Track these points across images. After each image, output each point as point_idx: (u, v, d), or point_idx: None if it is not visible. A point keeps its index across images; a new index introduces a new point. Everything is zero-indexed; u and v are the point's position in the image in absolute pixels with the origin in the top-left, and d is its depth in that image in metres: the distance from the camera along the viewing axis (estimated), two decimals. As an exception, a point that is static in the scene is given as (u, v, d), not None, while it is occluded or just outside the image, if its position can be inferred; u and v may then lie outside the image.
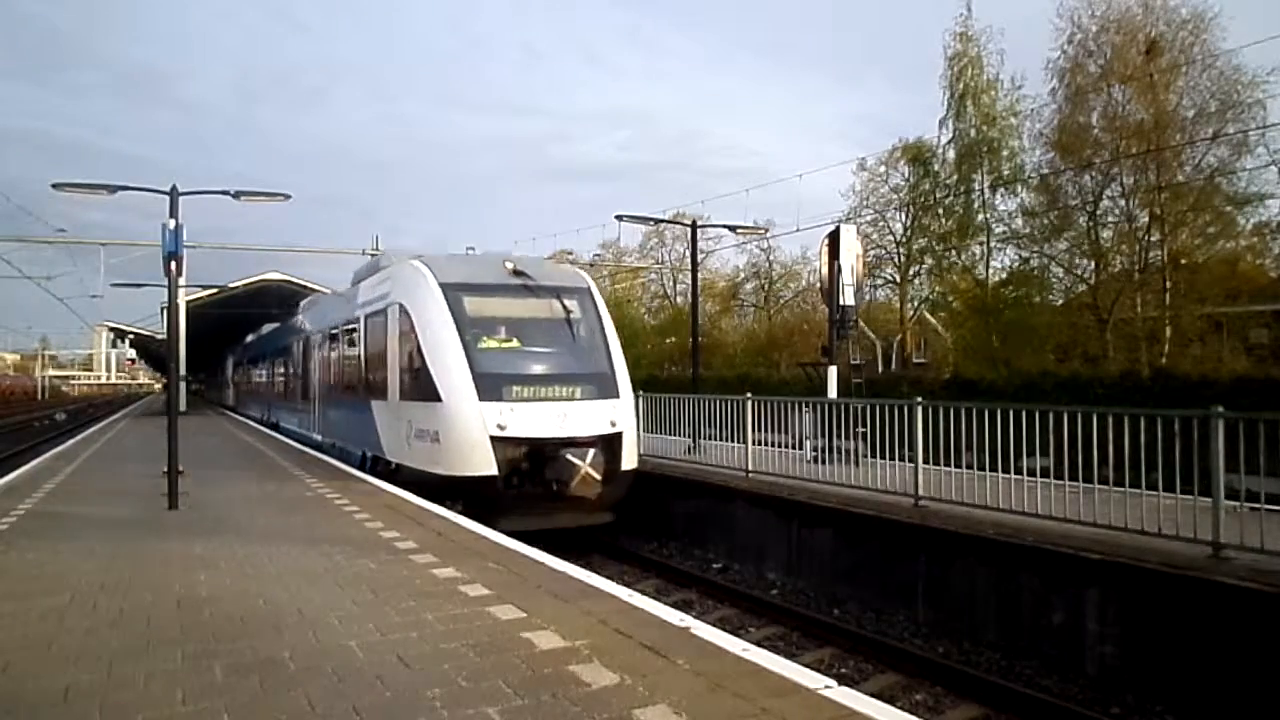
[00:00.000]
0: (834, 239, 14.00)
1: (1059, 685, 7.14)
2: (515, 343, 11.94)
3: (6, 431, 38.04)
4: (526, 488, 11.06)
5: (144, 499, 10.25)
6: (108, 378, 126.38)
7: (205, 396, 57.05)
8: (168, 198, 10.22)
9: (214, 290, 35.16)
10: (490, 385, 11.10)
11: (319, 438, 18.45)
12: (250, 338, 37.10)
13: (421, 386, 11.71)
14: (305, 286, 35.78)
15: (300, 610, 5.48)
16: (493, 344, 11.74)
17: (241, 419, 31.07)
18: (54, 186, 11.60)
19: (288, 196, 12.99)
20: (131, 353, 74.49)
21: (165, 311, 16.14)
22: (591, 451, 10.92)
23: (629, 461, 11.75)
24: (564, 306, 12.29)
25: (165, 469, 10.00)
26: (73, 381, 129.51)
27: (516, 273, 12.50)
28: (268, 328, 32.82)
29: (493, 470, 10.81)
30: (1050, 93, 25.82)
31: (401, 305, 12.58)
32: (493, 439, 10.83)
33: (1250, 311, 24.24)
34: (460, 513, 9.41)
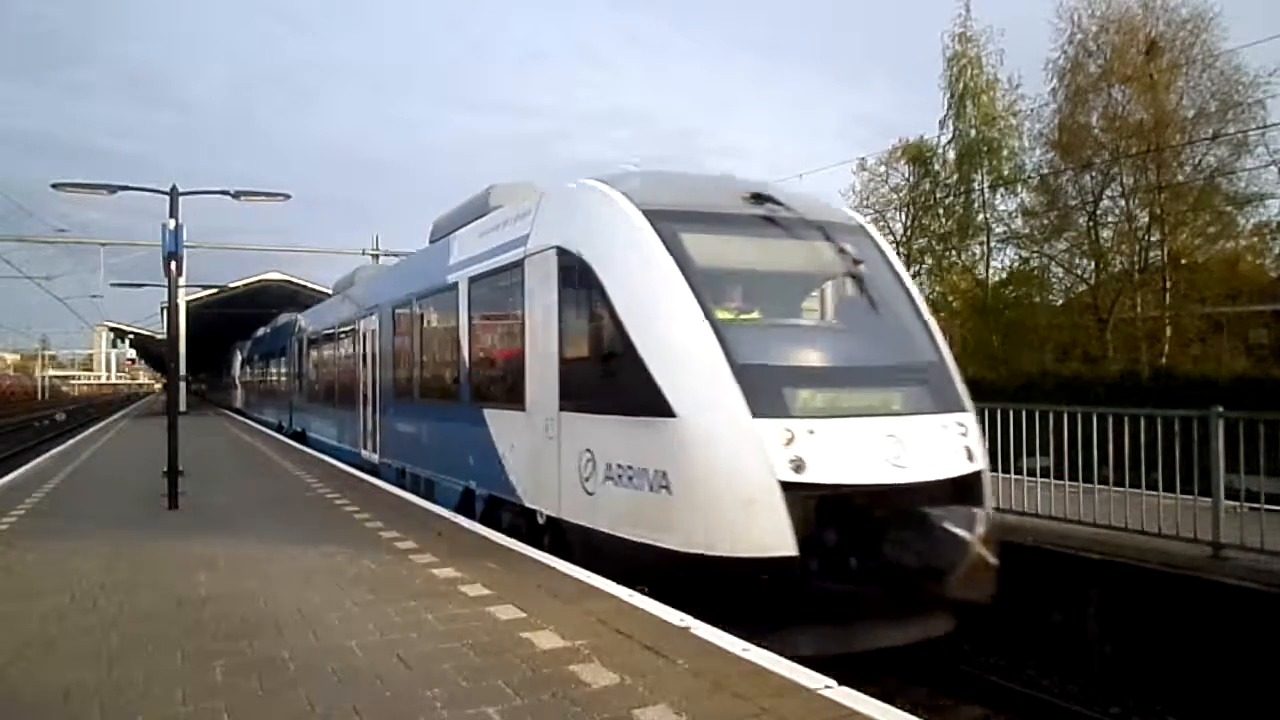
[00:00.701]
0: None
1: (1059, 685, 7.14)
2: (792, 316, 7.60)
3: (7, 431, 38.04)
4: (853, 577, 5.93)
5: (144, 499, 10.24)
6: (108, 378, 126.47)
7: (208, 398, 56.83)
8: (167, 198, 10.23)
9: (214, 290, 35.17)
10: (766, 388, 6.15)
11: (375, 457, 13.41)
12: (264, 329, 31.27)
13: (622, 389, 6.57)
14: (305, 286, 35.81)
15: (300, 610, 5.47)
16: (753, 316, 7.07)
17: (252, 424, 27.56)
18: (54, 186, 11.58)
19: (287, 196, 12.97)
20: (131, 353, 74.51)
21: (165, 311, 16.04)
22: (978, 513, 6.15)
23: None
24: (845, 255, 7.33)
25: (165, 469, 10.00)
26: (73, 381, 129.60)
27: (757, 198, 7.40)
28: (285, 317, 26.80)
29: (789, 546, 5.74)
30: (1050, 93, 25.85)
31: (564, 250, 7.35)
32: (785, 486, 5.79)
33: (1250, 311, 24.24)
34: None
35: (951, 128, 29.30)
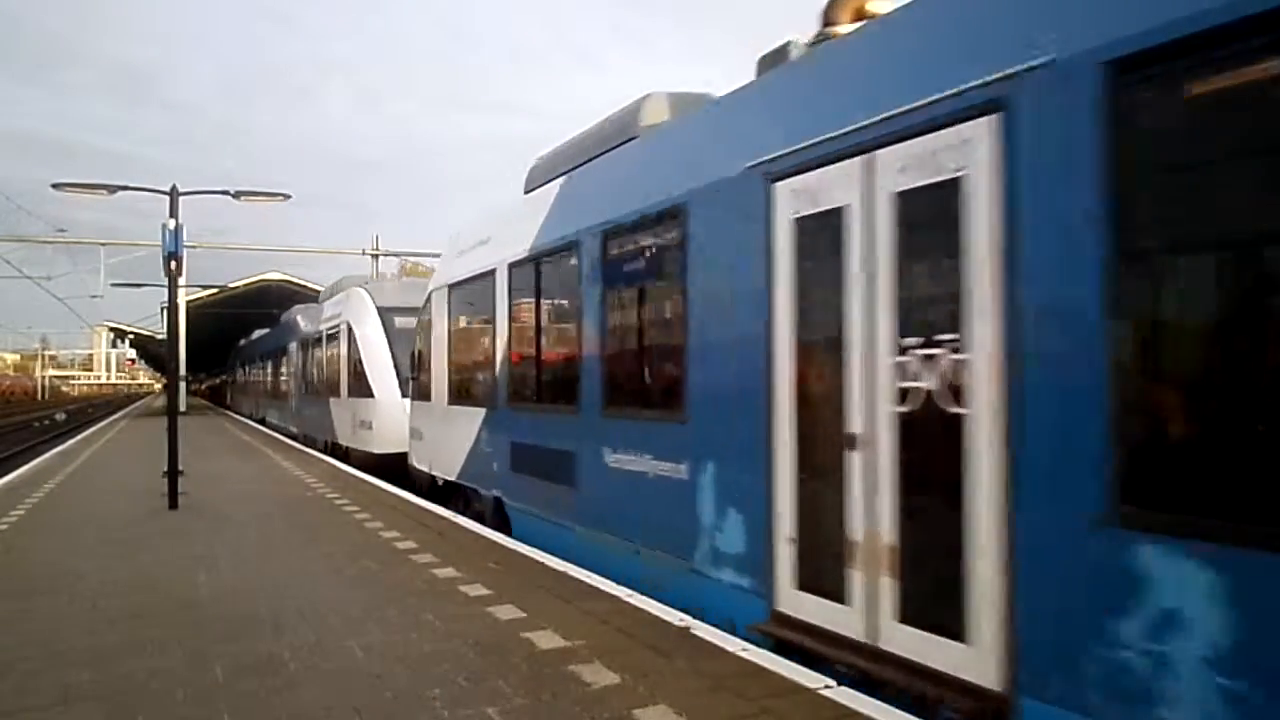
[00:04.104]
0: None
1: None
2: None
3: (7, 431, 38.04)
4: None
5: (144, 499, 10.25)
6: (108, 378, 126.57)
7: (218, 398, 56.37)
8: (167, 198, 10.24)
9: (214, 290, 35.20)
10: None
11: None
12: (296, 313, 24.96)
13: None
14: (305, 286, 35.86)
15: (300, 610, 5.48)
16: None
17: (283, 438, 21.66)
18: (54, 186, 11.60)
19: (287, 196, 13.00)
20: (131, 353, 74.57)
21: (165, 311, 16.06)
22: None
23: None
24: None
25: (165, 470, 10.01)
26: (73, 381, 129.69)
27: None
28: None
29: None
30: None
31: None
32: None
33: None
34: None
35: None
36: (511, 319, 8.35)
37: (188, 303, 30.46)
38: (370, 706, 3.87)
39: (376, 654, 4.59)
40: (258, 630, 5.05)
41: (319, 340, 19.89)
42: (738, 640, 4.70)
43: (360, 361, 15.84)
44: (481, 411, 8.93)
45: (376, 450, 14.58)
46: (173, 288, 10.57)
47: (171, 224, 10.05)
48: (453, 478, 9.81)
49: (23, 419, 48.99)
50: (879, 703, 3.80)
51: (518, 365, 8.26)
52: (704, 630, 4.91)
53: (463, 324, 9.89)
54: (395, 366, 14.93)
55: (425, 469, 10.89)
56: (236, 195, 12.71)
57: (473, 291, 9.31)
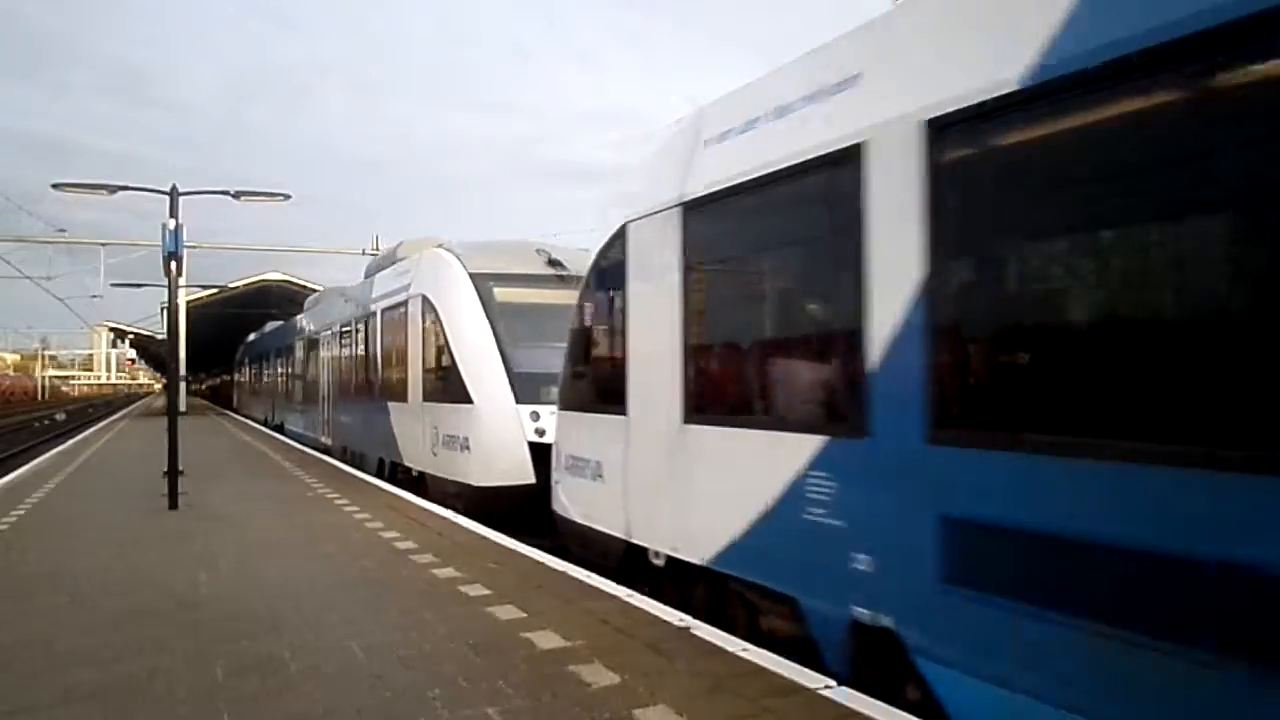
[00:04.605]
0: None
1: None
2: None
3: (7, 431, 38.04)
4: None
5: (144, 499, 10.25)
6: (108, 378, 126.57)
7: (219, 399, 55.87)
8: (167, 198, 10.23)
9: (214, 290, 35.20)
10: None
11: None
12: (333, 294, 20.53)
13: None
14: (305, 287, 35.85)
15: (300, 610, 5.47)
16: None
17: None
18: (54, 186, 11.59)
19: (288, 196, 12.99)
20: (131, 353, 74.60)
21: (165, 311, 15.97)
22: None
23: None
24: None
25: (165, 470, 10.01)
26: (73, 381, 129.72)
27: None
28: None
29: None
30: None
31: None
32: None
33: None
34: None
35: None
36: (940, 244, 3.79)
37: (187, 303, 30.44)
38: (370, 706, 3.87)
39: (377, 654, 4.59)
40: (258, 630, 5.05)
41: (370, 325, 14.78)
42: (738, 640, 4.70)
43: (448, 351, 10.98)
44: (815, 443, 4.49)
45: (478, 481, 10.04)
46: (173, 288, 10.57)
47: (171, 224, 10.05)
48: (707, 560, 5.37)
49: (23, 419, 48.99)
50: (879, 703, 3.80)
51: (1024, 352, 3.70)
52: (704, 630, 4.91)
53: (739, 270, 5.69)
54: (504, 359, 10.38)
55: (616, 532, 6.39)
56: (236, 195, 12.70)
57: (774, 205, 4.99)
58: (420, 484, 11.86)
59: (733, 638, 4.75)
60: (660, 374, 5.75)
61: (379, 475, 13.31)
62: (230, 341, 43.45)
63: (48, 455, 17.47)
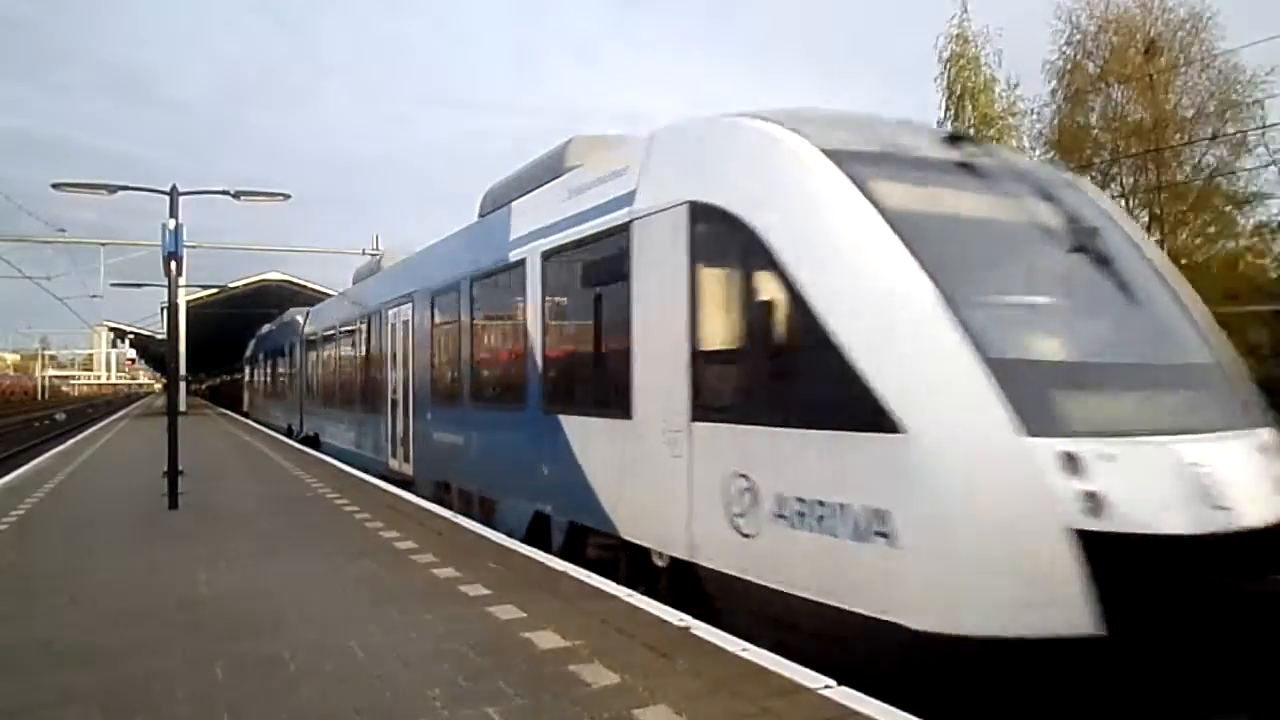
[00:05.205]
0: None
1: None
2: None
3: (7, 431, 38.03)
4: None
5: (144, 499, 10.24)
6: (108, 378, 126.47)
7: (219, 399, 55.26)
8: (166, 198, 10.23)
9: (214, 290, 35.20)
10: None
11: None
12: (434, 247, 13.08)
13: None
14: (305, 286, 35.86)
15: (300, 610, 5.47)
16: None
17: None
18: (54, 186, 11.58)
19: (287, 196, 12.98)
20: (131, 353, 74.58)
21: (165, 311, 15.96)
22: None
23: None
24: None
25: (165, 470, 10.00)
26: (73, 381, 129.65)
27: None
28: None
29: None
30: (1050, 93, 25.63)
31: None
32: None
33: (1250, 311, 24.23)
34: None
35: (950, 128, 29.31)
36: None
37: (187, 303, 30.42)
38: (370, 706, 3.87)
39: (377, 654, 4.59)
40: (258, 630, 5.04)
41: (512, 280, 8.70)
42: (738, 640, 4.69)
43: (794, 313, 4.93)
44: None
45: (921, 621, 4.14)
46: (172, 288, 10.57)
47: (171, 224, 10.04)
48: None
49: (23, 419, 48.98)
50: (879, 703, 3.80)
51: None
52: (704, 630, 4.91)
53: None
54: (972, 335, 4.36)
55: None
56: (236, 195, 12.69)
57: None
58: (674, 584, 5.92)
59: (733, 638, 4.74)
60: None
61: (533, 541, 7.61)
62: (231, 342, 43.37)
63: (48, 455, 17.47)
